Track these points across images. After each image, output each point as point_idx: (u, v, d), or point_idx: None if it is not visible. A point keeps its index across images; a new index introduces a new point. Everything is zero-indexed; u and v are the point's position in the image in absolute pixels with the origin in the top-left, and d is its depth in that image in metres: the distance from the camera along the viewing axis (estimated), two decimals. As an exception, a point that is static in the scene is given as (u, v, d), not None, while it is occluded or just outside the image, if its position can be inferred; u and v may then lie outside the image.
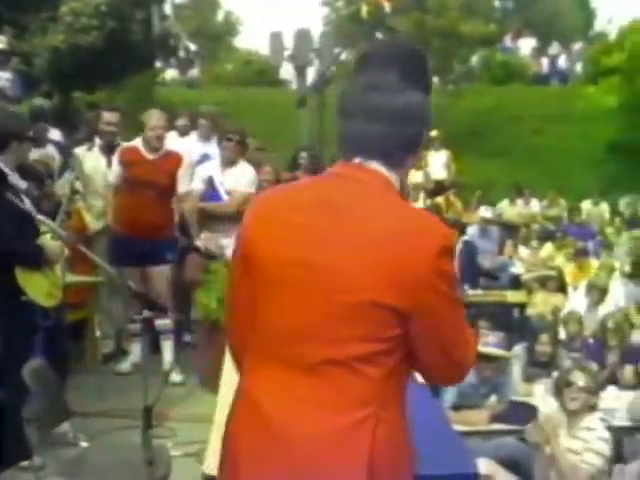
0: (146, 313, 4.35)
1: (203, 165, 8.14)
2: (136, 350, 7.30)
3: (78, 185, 7.34)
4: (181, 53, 24.40)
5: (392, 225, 2.08)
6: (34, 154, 7.64)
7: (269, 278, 2.15)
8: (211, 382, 6.23)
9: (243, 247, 2.24)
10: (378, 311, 2.04)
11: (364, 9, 15.69)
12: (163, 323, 6.99)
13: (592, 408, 5.53)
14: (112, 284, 7.17)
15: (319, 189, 2.20)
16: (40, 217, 5.27)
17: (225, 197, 7.71)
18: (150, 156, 7.32)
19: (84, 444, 5.52)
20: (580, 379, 5.45)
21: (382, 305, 2.04)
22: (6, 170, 5.25)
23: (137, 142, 7.44)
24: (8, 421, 5.06)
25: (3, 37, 10.58)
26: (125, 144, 7.68)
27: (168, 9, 20.98)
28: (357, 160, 2.18)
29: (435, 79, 20.57)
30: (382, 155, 2.17)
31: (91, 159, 7.97)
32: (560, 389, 5.61)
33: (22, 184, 5.60)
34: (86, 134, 10.41)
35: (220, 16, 43.77)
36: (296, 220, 2.14)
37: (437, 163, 15.24)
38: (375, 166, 2.17)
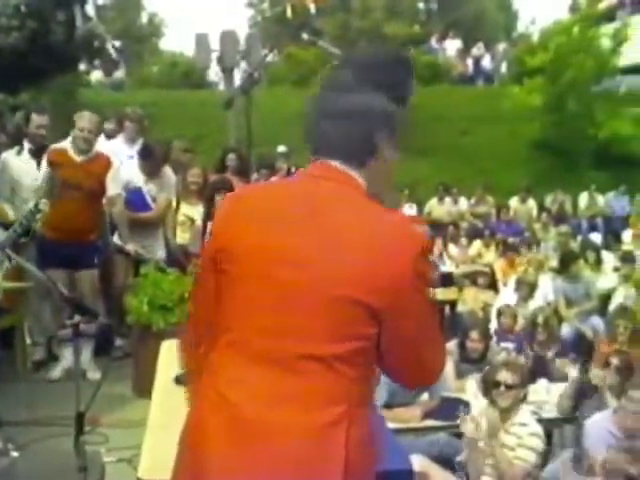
0: (77, 318, 4.29)
1: (127, 168, 8.03)
2: (68, 355, 7.19)
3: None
4: (110, 53, 24.13)
5: (371, 226, 2.12)
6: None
7: (249, 274, 2.16)
8: (143, 387, 6.16)
9: (218, 244, 2.25)
10: (356, 308, 2.06)
11: (289, 9, 15.71)
12: (83, 327, 6.91)
13: (522, 400, 5.61)
14: (42, 289, 7.04)
15: (296, 189, 2.25)
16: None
17: (151, 204, 7.74)
18: (78, 158, 7.22)
19: (14, 454, 5.40)
20: (507, 378, 5.51)
21: (360, 302, 2.06)
22: None
23: (66, 144, 7.33)
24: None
25: None
26: (54, 146, 7.55)
27: (91, 10, 20.69)
28: (326, 160, 2.24)
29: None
30: (342, 155, 2.22)
31: (21, 162, 7.80)
32: (488, 389, 5.67)
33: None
34: (11, 138, 10.23)
35: (144, 18, 43.47)
36: (275, 218, 2.17)
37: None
38: (340, 166, 2.22)
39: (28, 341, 7.75)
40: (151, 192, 7.86)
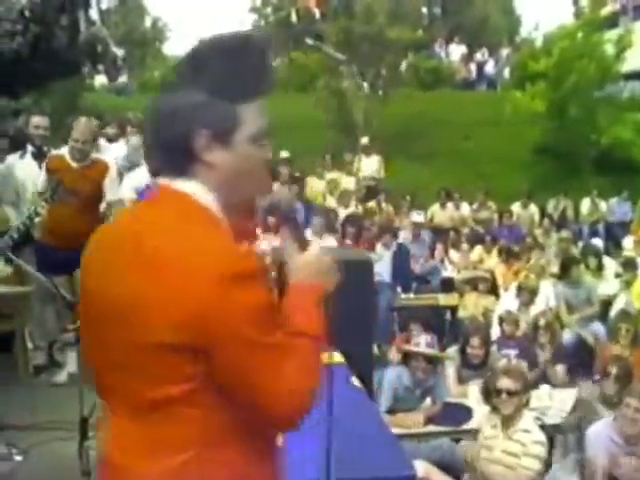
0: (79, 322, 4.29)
1: (133, 173, 8.07)
2: (71, 360, 7.20)
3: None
4: (113, 58, 24.17)
5: (177, 256, 1.89)
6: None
7: (91, 316, 2.06)
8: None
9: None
10: (175, 350, 1.90)
11: (293, 14, 15.72)
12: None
13: (525, 406, 5.62)
14: (44, 293, 7.04)
15: (127, 221, 2.09)
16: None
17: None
18: (75, 164, 7.24)
19: (18, 458, 5.41)
20: (508, 385, 5.52)
21: (176, 345, 1.89)
22: None
23: (64, 150, 7.35)
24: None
25: None
26: (53, 152, 7.57)
27: (95, 14, 20.73)
28: (158, 178, 2.06)
29: (364, 84, 20.70)
30: (165, 169, 2.04)
31: (24, 166, 7.81)
32: (490, 396, 5.68)
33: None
34: (12, 142, 10.25)
35: (148, 22, 43.51)
36: (104, 257, 2.03)
37: (368, 168, 15.34)
38: (167, 183, 2.03)
39: (30, 346, 7.75)
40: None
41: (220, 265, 1.86)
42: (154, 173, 2.08)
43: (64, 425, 5.58)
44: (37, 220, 6.10)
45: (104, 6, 32.01)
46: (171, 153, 2.01)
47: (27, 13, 14.90)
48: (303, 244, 2.16)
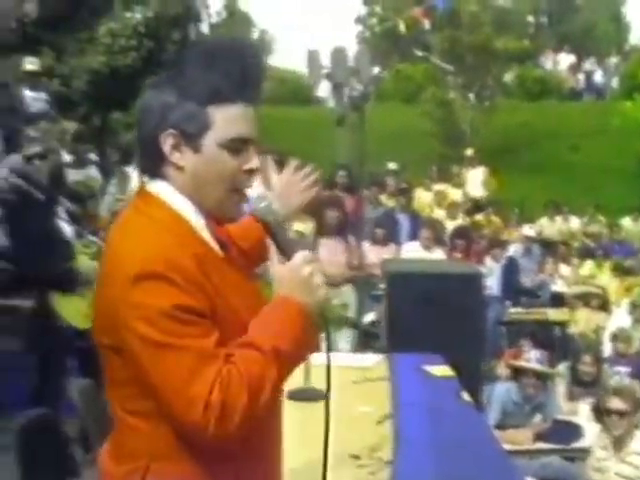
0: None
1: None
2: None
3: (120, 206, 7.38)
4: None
5: (111, 257, 1.94)
6: (76, 175, 7.72)
7: None
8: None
9: None
10: (108, 353, 1.94)
11: (402, 25, 15.69)
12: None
13: (637, 427, 5.48)
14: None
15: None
16: (91, 237, 5.34)
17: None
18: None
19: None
20: (618, 405, 5.39)
21: (105, 345, 1.93)
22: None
23: None
24: (51, 438, 5.07)
25: (34, 59, 10.70)
26: None
27: (205, 28, 21.08)
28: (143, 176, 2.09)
29: (470, 95, 20.56)
30: (141, 169, 2.08)
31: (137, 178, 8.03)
32: (601, 416, 5.56)
33: (66, 205, 5.67)
34: (123, 155, 10.54)
35: (255, 35, 44.02)
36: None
37: (475, 180, 15.21)
38: (144, 185, 2.03)
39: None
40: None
41: (132, 266, 1.83)
42: (140, 171, 2.11)
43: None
44: None
45: (213, 20, 32.54)
46: (145, 152, 2.01)
47: (141, 29, 15.28)
48: (287, 254, 1.99)
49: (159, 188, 1.98)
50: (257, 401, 1.82)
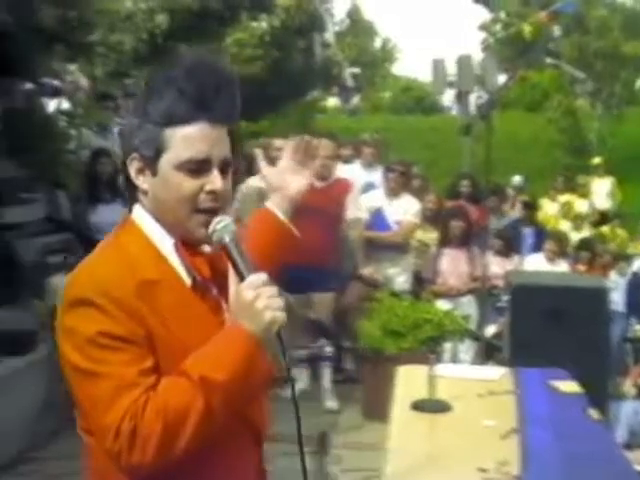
0: (322, 341, 4.43)
1: (367, 194, 8.23)
2: (304, 377, 7.40)
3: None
4: (346, 81, 24.69)
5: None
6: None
7: None
8: (374, 410, 6.25)
9: None
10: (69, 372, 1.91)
11: (527, 29, 15.42)
12: (323, 350, 7.10)
13: None
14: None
15: None
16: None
17: (394, 227, 7.83)
18: (319, 184, 7.42)
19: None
20: None
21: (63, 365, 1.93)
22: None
23: None
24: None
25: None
26: None
27: (330, 37, 21.25)
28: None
29: (598, 103, 20.10)
30: (125, 189, 2.07)
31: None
32: None
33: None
34: (246, 164, 10.70)
35: (378, 43, 44.13)
36: None
37: (601, 191, 14.86)
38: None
39: (265, 359, 8.02)
40: (393, 215, 7.96)
41: (70, 291, 1.86)
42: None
43: (295, 439, 5.74)
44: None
45: (337, 28, 32.78)
46: (124, 177, 2.01)
47: (267, 38, 15.52)
48: (244, 276, 1.89)
49: (135, 213, 1.99)
50: (174, 432, 1.78)
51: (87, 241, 7.41)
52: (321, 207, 7.29)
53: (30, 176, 7.50)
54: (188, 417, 1.78)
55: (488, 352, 7.24)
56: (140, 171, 1.95)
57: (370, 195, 8.20)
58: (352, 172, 8.72)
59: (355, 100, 28.99)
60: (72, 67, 9.10)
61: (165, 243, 1.95)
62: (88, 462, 1.97)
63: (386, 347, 6.75)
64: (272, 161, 7.16)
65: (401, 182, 8.04)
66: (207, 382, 1.79)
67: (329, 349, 7.16)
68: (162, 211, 1.94)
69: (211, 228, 1.90)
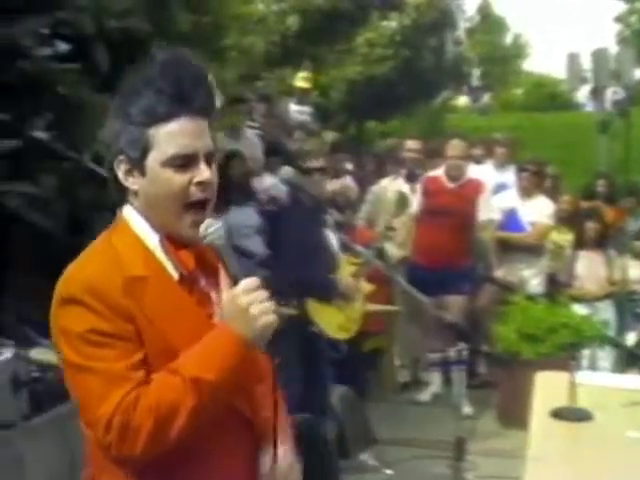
0: (461, 344, 4.38)
1: (500, 195, 8.09)
2: (436, 380, 7.33)
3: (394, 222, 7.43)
4: (474, 80, 24.39)
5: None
6: (333, 185, 7.88)
7: None
8: (510, 417, 6.12)
9: None
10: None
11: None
12: (459, 353, 7.00)
13: None
14: (411, 312, 7.24)
15: None
16: (358, 248, 5.46)
17: (527, 228, 7.67)
18: (451, 184, 7.34)
19: (388, 472, 5.55)
20: None
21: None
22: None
23: (439, 171, 7.49)
24: (314, 443, 5.20)
25: (306, 74, 11.12)
26: (429, 173, 7.73)
27: (462, 34, 20.98)
28: None
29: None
30: (112, 190, 2.09)
31: (395, 189, 8.09)
32: None
33: (334, 215, 5.82)
34: (375, 165, 10.68)
35: (509, 39, 43.42)
36: None
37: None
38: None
39: (397, 363, 7.99)
40: (527, 216, 7.81)
41: (61, 289, 1.94)
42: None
43: (429, 443, 5.68)
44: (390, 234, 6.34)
45: (468, 24, 32.43)
46: (112, 180, 2.05)
47: (397, 37, 15.46)
48: (236, 280, 1.97)
49: (125, 212, 2.05)
50: (165, 427, 1.86)
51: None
52: (453, 208, 7.22)
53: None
54: (178, 414, 1.86)
55: (629, 360, 7.00)
56: (128, 172, 2.00)
57: (503, 195, 8.07)
58: (484, 172, 8.58)
59: (485, 98, 28.58)
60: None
61: (152, 239, 2.02)
62: (88, 453, 2.06)
63: (523, 352, 6.60)
64: (402, 162, 7.19)
65: (534, 182, 7.89)
66: (198, 382, 1.86)
67: (465, 352, 7.06)
68: (153, 209, 2.00)
69: (202, 233, 1.97)
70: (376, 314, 6.99)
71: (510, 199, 7.91)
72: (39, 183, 5.39)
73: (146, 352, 1.93)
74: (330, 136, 11.09)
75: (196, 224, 1.99)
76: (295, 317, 5.36)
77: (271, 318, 1.91)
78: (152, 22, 5.88)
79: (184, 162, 1.97)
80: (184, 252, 2.02)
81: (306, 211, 5.57)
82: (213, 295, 2.07)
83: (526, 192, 7.84)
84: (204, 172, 1.98)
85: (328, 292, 5.44)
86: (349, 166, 10.15)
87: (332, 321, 5.47)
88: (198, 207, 1.99)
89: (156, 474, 1.96)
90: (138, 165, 1.98)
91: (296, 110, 10.80)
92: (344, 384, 5.64)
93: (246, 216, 7.38)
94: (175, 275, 2.00)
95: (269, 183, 7.64)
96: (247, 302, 1.89)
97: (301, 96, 10.98)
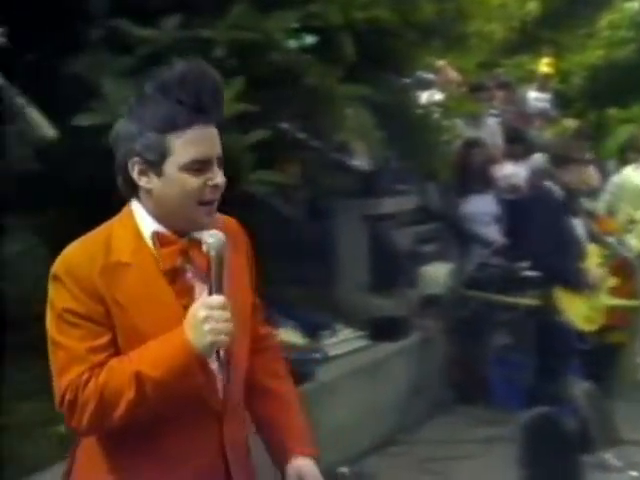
0: None
1: None
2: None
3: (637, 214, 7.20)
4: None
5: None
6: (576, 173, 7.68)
7: None
8: None
9: None
10: None
11: None
12: None
13: None
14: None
15: None
16: (607, 238, 5.37)
17: None
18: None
19: (634, 473, 5.37)
20: None
21: None
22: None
23: None
24: (553, 436, 5.10)
25: (549, 59, 10.94)
26: None
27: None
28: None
29: None
30: (119, 187, 2.21)
31: (637, 178, 7.81)
32: None
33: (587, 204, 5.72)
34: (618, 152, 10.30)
35: None
36: None
37: None
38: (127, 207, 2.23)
39: (638, 360, 7.71)
40: None
41: (55, 263, 2.13)
42: (121, 192, 2.24)
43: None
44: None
45: None
46: (120, 176, 2.18)
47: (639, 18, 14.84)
48: (218, 291, 2.06)
49: (132, 206, 2.21)
50: (106, 411, 2.03)
51: (458, 231, 7.53)
52: None
53: (405, 167, 7.75)
54: (119, 403, 2.03)
55: None
56: (142, 172, 2.14)
57: None
58: None
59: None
60: (440, 61, 9.21)
61: (148, 231, 2.17)
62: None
63: None
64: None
65: None
66: (142, 378, 2.02)
67: None
68: (168, 207, 2.14)
69: (204, 239, 2.08)
70: (619, 308, 6.80)
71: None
72: (284, 172, 5.61)
73: (115, 335, 2.10)
74: (570, 123, 10.83)
75: (209, 213, 2.15)
76: (534, 307, 5.31)
77: (221, 339, 2.04)
78: (397, 11, 5.94)
79: (200, 167, 2.12)
80: (177, 246, 2.16)
81: (554, 200, 5.51)
82: (198, 287, 2.19)
83: None
84: (218, 176, 2.15)
85: (577, 282, 5.37)
86: (589, 155, 9.86)
87: (579, 312, 5.39)
88: (209, 205, 2.15)
89: (133, 443, 2.14)
90: (155, 168, 2.13)
91: (534, 97, 10.62)
92: (587, 378, 5.50)
93: (485, 204, 7.37)
94: (163, 266, 2.15)
95: (510, 171, 7.55)
96: (204, 317, 2.02)
97: (542, 82, 10.80)
